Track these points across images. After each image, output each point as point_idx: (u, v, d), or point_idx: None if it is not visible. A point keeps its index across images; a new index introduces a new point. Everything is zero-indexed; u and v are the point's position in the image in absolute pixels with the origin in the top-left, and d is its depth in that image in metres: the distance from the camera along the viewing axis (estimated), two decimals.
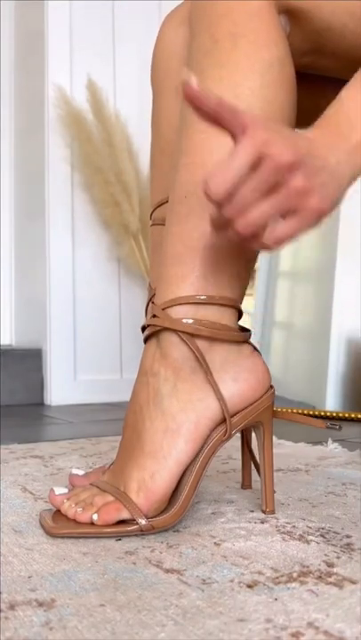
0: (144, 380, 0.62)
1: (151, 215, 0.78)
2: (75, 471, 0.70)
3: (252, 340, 0.66)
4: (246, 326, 0.66)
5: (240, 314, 0.65)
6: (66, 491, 0.63)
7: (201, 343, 0.61)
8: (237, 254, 0.62)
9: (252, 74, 0.63)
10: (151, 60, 0.78)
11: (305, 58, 0.68)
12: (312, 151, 0.52)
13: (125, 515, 0.58)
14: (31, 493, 0.75)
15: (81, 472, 0.70)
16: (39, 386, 1.86)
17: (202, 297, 0.61)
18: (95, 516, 0.58)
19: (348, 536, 0.58)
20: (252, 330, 0.79)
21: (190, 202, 0.62)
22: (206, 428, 0.61)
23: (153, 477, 0.59)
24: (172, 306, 0.62)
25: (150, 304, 0.68)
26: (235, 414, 0.62)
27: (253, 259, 0.66)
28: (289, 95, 0.65)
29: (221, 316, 0.62)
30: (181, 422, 0.60)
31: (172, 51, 0.74)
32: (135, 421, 0.62)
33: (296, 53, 0.66)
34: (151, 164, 0.80)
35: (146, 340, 0.65)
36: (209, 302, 0.61)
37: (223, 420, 0.61)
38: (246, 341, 0.64)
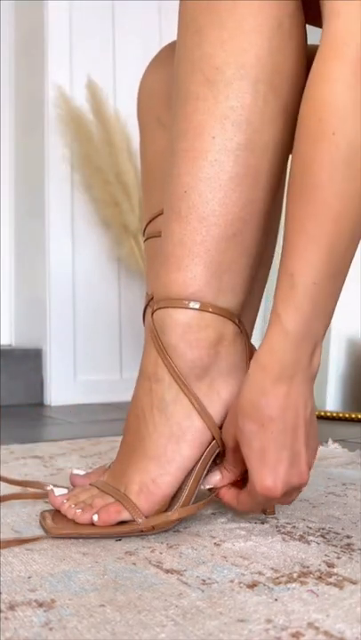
0: (147, 385, 0.61)
1: (144, 231, 0.76)
2: (75, 471, 0.70)
3: (253, 340, 0.66)
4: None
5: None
6: (66, 491, 0.63)
7: (207, 349, 0.59)
8: (244, 259, 0.59)
9: (259, 36, 0.55)
10: (136, 101, 0.80)
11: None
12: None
13: (125, 516, 0.58)
14: None
15: (82, 472, 0.70)
16: (39, 386, 1.86)
17: (203, 305, 0.59)
18: (95, 517, 0.58)
19: (348, 536, 0.58)
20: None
21: (191, 198, 0.58)
22: (210, 434, 0.60)
23: (155, 481, 0.58)
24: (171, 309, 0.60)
25: (148, 309, 0.67)
26: None
27: (264, 264, 0.64)
28: (300, 59, 0.57)
29: (224, 324, 0.60)
30: (186, 429, 0.59)
31: (152, 88, 0.76)
32: (138, 426, 0.61)
33: None
34: (142, 188, 0.79)
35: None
36: (211, 311, 0.59)
37: None
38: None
